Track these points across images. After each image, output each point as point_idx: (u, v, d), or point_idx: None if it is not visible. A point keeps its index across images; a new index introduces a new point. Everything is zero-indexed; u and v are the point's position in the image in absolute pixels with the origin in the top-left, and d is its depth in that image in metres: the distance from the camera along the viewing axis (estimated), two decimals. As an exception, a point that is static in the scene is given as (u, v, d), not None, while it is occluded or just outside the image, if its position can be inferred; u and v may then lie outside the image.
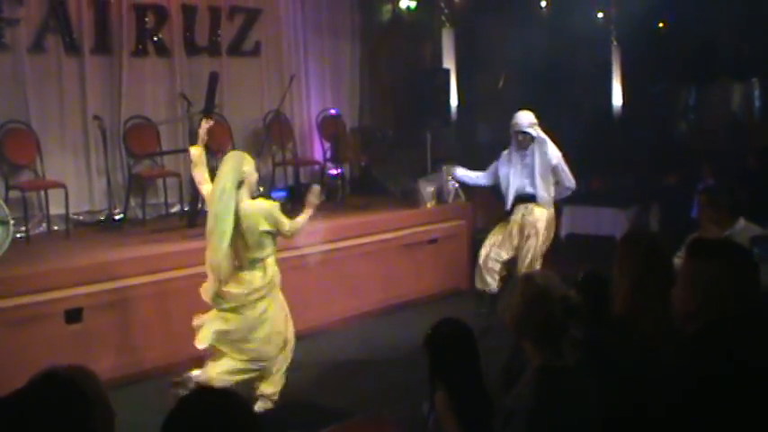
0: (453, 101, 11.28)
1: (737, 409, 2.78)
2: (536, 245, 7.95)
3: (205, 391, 2.28)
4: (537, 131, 7.86)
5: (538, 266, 7.91)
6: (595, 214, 10.71)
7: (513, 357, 3.70)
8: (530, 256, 7.96)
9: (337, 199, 10.27)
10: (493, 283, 8.07)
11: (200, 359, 7.14)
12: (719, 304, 2.98)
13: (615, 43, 12.87)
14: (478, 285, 8.22)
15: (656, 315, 3.47)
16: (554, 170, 7.93)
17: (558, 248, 10.43)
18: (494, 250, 8.15)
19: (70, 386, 2.32)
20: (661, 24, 13.33)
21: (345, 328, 8.16)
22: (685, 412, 2.88)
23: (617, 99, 12.98)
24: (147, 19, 9.52)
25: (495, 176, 8.18)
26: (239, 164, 5.99)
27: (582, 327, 3.43)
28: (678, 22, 12.91)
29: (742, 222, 5.87)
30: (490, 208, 11.01)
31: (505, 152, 8.11)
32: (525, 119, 7.86)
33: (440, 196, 9.75)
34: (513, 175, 7.97)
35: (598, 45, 12.77)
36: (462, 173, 8.51)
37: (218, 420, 2.15)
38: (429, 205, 9.63)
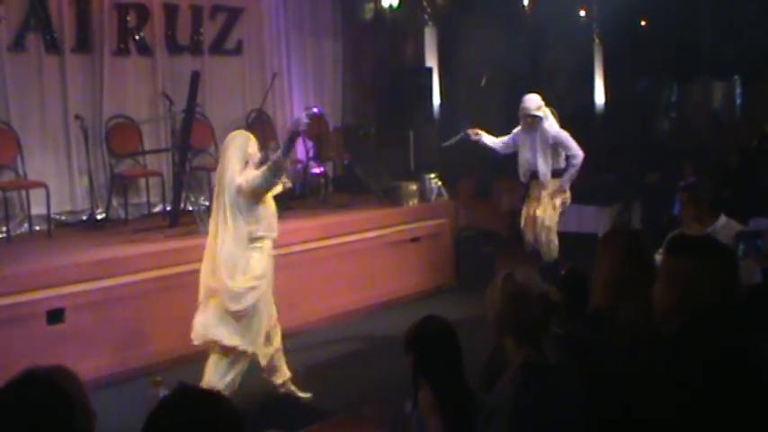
0: (436, 99, 11.30)
1: (721, 404, 2.80)
2: (548, 233, 8.26)
3: (187, 390, 2.27)
4: (543, 113, 8.10)
5: (554, 239, 8.25)
6: (578, 212, 10.72)
7: (494, 355, 3.70)
8: (543, 234, 8.26)
9: (320, 197, 10.27)
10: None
11: (181, 358, 7.14)
12: (698, 300, 3.00)
13: (597, 41, 12.91)
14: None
15: (633, 309, 3.48)
16: (555, 144, 8.10)
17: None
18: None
19: (50, 386, 2.31)
20: (643, 23, 13.38)
21: (328, 326, 8.16)
22: (668, 408, 2.89)
23: (599, 97, 13.02)
24: (128, 18, 9.48)
25: (514, 147, 8.36)
26: (245, 145, 5.97)
27: (563, 324, 3.43)
28: (660, 20, 12.97)
29: (723, 219, 5.89)
30: (473, 206, 11.06)
31: (515, 131, 8.35)
32: (533, 102, 8.10)
33: (422, 195, 9.76)
34: (523, 153, 8.24)
35: (580, 43, 12.81)
36: (487, 138, 8.50)
37: (201, 419, 2.15)
38: (412, 203, 9.64)
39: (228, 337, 5.94)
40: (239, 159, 5.89)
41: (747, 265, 5.17)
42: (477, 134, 8.28)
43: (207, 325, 5.97)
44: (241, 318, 5.96)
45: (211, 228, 6.08)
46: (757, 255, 5.30)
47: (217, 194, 6.02)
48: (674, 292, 3.06)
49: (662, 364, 3.05)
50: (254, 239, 5.99)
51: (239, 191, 5.85)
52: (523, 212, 8.46)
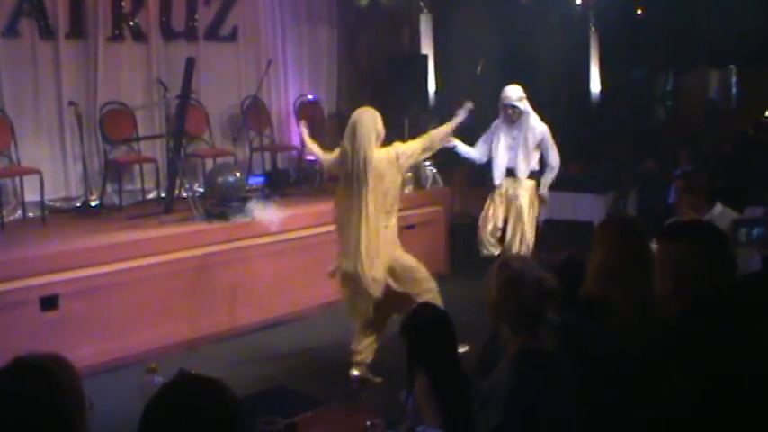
0: (431, 87, 11.27)
1: (718, 391, 2.79)
2: (524, 228, 7.94)
3: (187, 376, 2.27)
4: (525, 105, 7.86)
5: (530, 243, 7.96)
6: (573, 200, 10.73)
7: (490, 342, 3.70)
8: (518, 236, 7.95)
9: (314, 185, 10.26)
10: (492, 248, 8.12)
11: (175, 345, 7.14)
12: (692, 283, 3.00)
13: (593, 29, 12.87)
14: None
15: (627, 296, 3.48)
16: (540, 144, 7.95)
17: (537, 234, 10.48)
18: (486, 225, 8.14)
19: (41, 374, 2.30)
20: (639, 11, 13.35)
21: (323, 314, 8.15)
22: (664, 396, 2.89)
23: (595, 85, 12.99)
24: (123, 3, 9.43)
25: (489, 151, 8.09)
26: (375, 123, 6.05)
27: (560, 311, 3.43)
28: (656, 8, 12.94)
29: (719, 207, 5.89)
30: (468, 193, 11.04)
31: (494, 125, 8.08)
32: (514, 93, 7.84)
33: (418, 182, 9.75)
34: (501, 149, 7.96)
35: (576, 31, 12.78)
36: (463, 148, 8.15)
37: (200, 406, 2.15)
38: (407, 191, 9.62)
39: None
40: (376, 137, 5.99)
41: (746, 252, 5.17)
42: (449, 142, 7.87)
43: None
44: None
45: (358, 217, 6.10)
46: (756, 242, 5.30)
47: (354, 175, 6.02)
48: (667, 276, 3.07)
49: (656, 351, 3.05)
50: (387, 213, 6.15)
51: (404, 165, 6.13)
52: (489, 214, 8.09)
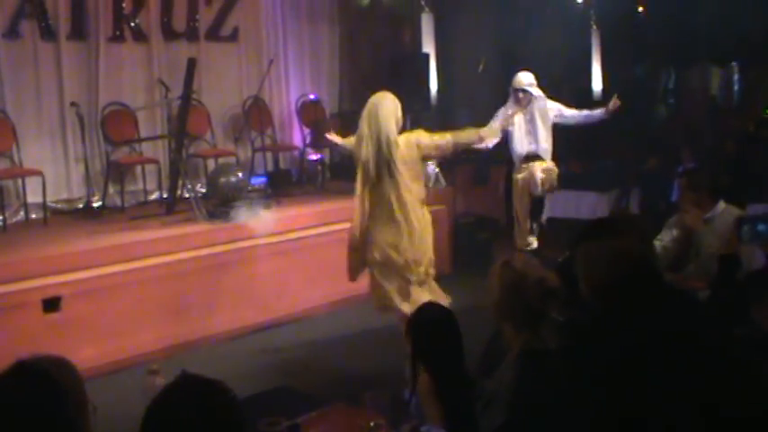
0: (433, 85, 11.26)
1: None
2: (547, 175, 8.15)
3: (189, 378, 2.27)
4: (536, 90, 8.05)
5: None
6: (576, 198, 10.72)
7: (493, 341, 3.69)
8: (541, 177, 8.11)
9: (317, 184, 10.27)
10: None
11: (178, 346, 7.14)
12: (607, 282, 3.03)
13: (595, 27, 12.85)
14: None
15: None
16: (561, 118, 8.08)
17: (540, 232, 10.46)
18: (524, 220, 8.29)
19: (41, 376, 2.30)
20: (640, 8, 13.33)
21: (326, 313, 8.15)
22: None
23: (596, 83, 12.97)
24: (123, 4, 9.42)
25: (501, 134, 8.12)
26: (396, 108, 5.90)
27: (562, 310, 3.42)
28: (658, 6, 12.92)
29: (722, 205, 5.88)
30: (471, 192, 11.03)
31: (504, 111, 8.14)
32: (526, 78, 8.06)
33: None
34: (521, 135, 8.10)
35: (578, 29, 12.76)
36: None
37: (203, 407, 2.16)
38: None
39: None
40: (395, 121, 5.85)
41: (750, 250, 5.16)
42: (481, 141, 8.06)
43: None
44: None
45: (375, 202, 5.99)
46: (760, 240, 5.29)
47: (375, 159, 5.84)
48: (582, 282, 3.11)
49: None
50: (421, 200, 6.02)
51: (426, 151, 5.96)
52: (519, 195, 8.29)
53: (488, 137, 6.75)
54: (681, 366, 2.89)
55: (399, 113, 5.90)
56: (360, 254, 6.10)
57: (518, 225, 8.38)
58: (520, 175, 8.23)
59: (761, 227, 5.37)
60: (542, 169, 8.08)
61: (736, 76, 13.44)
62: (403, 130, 6.11)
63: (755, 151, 11.19)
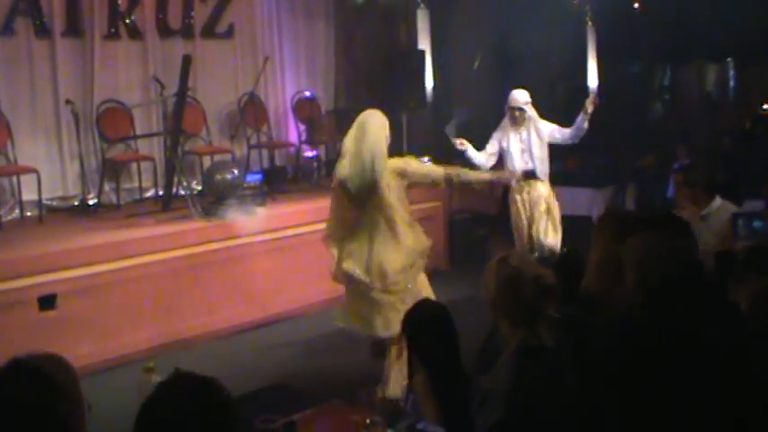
0: (429, 82, 11.25)
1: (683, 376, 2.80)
2: (554, 215, 8.04)
3: (183, 376, 2.27)
4: (531, 110, 7.97)
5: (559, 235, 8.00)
6: (571, 194, 10.70)
7: (490, 338, 3.69)
8: (549, 225, 8.01)
9: (312, 181, 10.26)
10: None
11: (174, 344, 7.13)
12: (655, 271, 3.01)
13: (590, 24, 12.84)
14: None
15: (627, 289, 3.47)
16: (553, 138, 8.05)
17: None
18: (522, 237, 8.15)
19: (36, 374, 2.30)
20: (636, 5, 13.33)
21: (322, 310, 8.13)
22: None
23: (592, 80, 12.97)
24: (118, 1, 9.39)
25: (497, 153, 8.09)
26: (384, 126, 5.73)
27: (559, 306, 3.42)
28: (653, 2, 12.92)
29: (718, 201, 5.89)
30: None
31: (500, 127, 8.12)
32: (521, 96, 7.99)
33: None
34: (515, 153, 8.02)
35: (573, 26, 12.75)
36: (472, 153, 8.06)
37: (196, 405, 2.16)
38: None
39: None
40: (385, 140, 5.66)
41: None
42: (462, 145, 7.93)
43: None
44: None
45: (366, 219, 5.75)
46: (756, 236, 5.29)
47: (359, 179, 5.61)
48: (632, 269, 3.09)
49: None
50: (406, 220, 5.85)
51: (412, 179, 5.77)
52: (521, 224, 8.12)
53: (503, 178, 6.61)
54: (706, 374, 2.88)
55: (388, 132, 5.74)
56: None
57: (519, 243, 8.26)
58: (518, 196, 8.14)
59: (757, 223, 5.38)
60: (551, 237, 8.03)
61: (731, 73, 13.46)
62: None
63: (751, 148, 11.20)
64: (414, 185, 5.95)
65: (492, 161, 8.06)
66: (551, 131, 8.04)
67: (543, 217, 8.02)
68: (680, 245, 3.22)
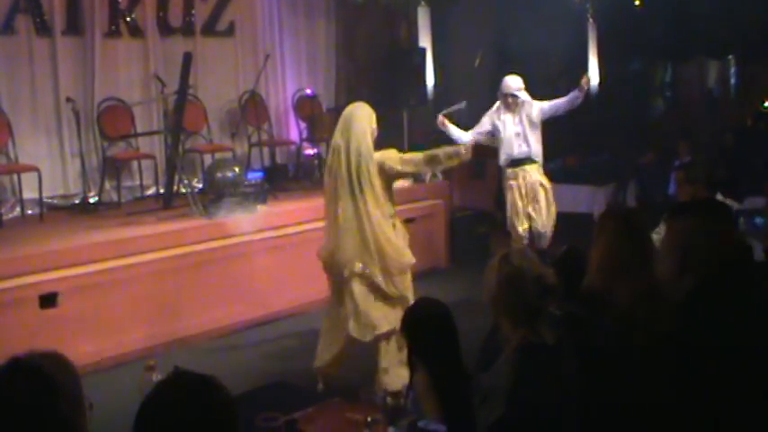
0: (430, 80, 11.25)
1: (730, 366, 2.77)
2: (548, 202, 8.09)
3: (182, 375, 2.27)
4: (524, 95, 8.02)
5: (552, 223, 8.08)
6: (572, 192, 10.72)
7: (491, 336, 3.68)
8: (545, 211, 8.07)
9: (313, 179, 10.25)
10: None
11: (175, 342, 7.13)
12: (700, 257, 2.97)
13: (591, 21, 12.84)
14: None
15: (628, 290, 3.47)
16: (545, 114, 8.07)
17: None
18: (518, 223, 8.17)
19: (35, 373, 2.30)
20: (637, 2, 13.33)
21: (323, 308, 8.12)
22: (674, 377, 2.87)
23: (593, 77, 12.97)
24: (119, -1, 9.42)
25: (491, 132, 8.13)
26: (371, 119, 5.77)
27: (560, 305, 3.42)
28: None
29: (719, 198, 5.88)
30: (468, 186, 11.03)
31: (491, 113, 8.15)
32: (514, 82, 8.03)
33: (417, 175, 9.72)
34: (510, 137, 8.06)
35: (574, 23, 12.75)
36: (454, 130, 8.14)
37: (196, 404, 2.15)
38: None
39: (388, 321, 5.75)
40: (371, 133, 5.69)
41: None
42: (443, 125, 8.00)
43: (386, 315, 5.76)
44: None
45: (341, 208, 5.73)
46: (757, 233, 5.30)
47: (346, 172, 5.64)
48: (675, 255, 3.04)
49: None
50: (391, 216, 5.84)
51: (391, 171, 5.71)
52: (518, 209, 8.13)
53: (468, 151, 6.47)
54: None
55: (375, 124, 5.77)
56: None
57: (514, 232, 8.26)
58: (513, 182, 8.14)
59: (758, 220, 5.39)
60: (544, 224, 8.05)
61: (732, 70, 13.47)
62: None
63: (752, 145, 11.21)
64: (399, 176, 5.95)
65: (478, 139, 8.06)
66: (541, 109, 8.06)
67: (543, 210, 8.05)
68: (727, 229, 3.17)
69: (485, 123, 8.17)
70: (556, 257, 3.93)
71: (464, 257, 9.49)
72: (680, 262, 3.03)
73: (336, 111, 11.13)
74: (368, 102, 6.17)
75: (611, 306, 3.47)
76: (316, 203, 8.71)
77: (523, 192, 8.10)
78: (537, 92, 8.35)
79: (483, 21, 11.93)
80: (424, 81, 11.04)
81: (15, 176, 8.51)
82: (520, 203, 8.11)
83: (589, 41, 12.97)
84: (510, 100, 7.99)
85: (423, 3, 11.49)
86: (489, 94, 8.17)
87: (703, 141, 11.45)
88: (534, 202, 8.08)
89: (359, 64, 11.80)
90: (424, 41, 11.40)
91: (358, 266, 5.75)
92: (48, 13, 8.85)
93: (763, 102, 12.42)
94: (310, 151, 10.69)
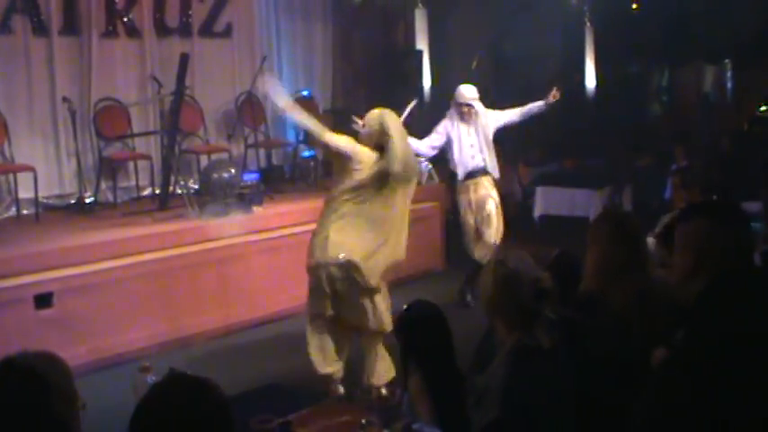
0: (426, 82, 11.26)
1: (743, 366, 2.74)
2: (497, 212, 8.01)
3: (177, 377, 2.28)
4: (479, 105, 7.97)
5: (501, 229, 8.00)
6: (568, 195, 10.73)
7: (486, 338, 3.68)
8: (495, 222, 7.98)
9: (310, 181, 10.25)
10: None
11: (170, 343, 7.12)
12: (714, 259, 2.96)
13: (588, 24, 12.86)
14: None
15: (622, 294, 3.47)
16: (499, 124, 8.04)
17: (532, 230, 10.47)
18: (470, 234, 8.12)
19: (28, 373, 2.30)
20: (634, 5, 13.35)
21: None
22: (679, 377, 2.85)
23: (590, 80, 12.99)
24: (116, 0, 9.40)
25: (443, 145, 8.09)
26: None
27: (555, 308, 3.42)
28: (651, 3, 12.94)
29: (718, 201, 5.88)
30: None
31: (445, 123, 8.09)
32: (468, 92, 7.97)
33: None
34: (465, 148, 7.99)
35: (571, 26, 12.77)
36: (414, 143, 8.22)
37: (191, 406, 2.16)
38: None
39: None
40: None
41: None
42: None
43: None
44: None
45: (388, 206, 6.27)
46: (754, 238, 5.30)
47: (381, 176, 6.05)
48: (688, 256, 3.02)
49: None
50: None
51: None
52: (469, 222, 8.09)
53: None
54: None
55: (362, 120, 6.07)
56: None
57: (466, 239, 8.19)
58: (463, 196, 8.08)
59: (754, 225, 5.38)
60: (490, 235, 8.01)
61: (729, 75, 13.47)
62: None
63: (749, 149, 11.21)
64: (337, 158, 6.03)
65: (434, 150, 8.12)
66: (496, 120, 8.02)
67: (493, 221, 7.97)
68: (746, 236, 3.15)
69: (439, 137, 8.07)
70: (548, 262, 3.93)
71: (460, 260, 9.48)
72: (693, 263, 3.02)
73: (333, 113, 11.16)
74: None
75: (606, 309, 3.47)
76: (311, 205, 8.72)
77: (474, 207, 8.04)
78: (534, 95, 8.35)
79: (480, 23, 11.94)
80: (421, 83, 11.05)
81: (11, 176, 8.50)
82: (470, 218, 8.07)
83: (586, 45, 12.99)
84: (465, 109, 7.91)
85: (420, 5, 11.51)
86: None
87: (700, 145, 11.45)
88: (481, 210, 8.00)
89: (356, 66, 11.81)
90: (421, 44, 11.41)
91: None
92: (44, 12, 8.84)
93: (760, 106, 12.44)
94: (306, 153, 10.69)
